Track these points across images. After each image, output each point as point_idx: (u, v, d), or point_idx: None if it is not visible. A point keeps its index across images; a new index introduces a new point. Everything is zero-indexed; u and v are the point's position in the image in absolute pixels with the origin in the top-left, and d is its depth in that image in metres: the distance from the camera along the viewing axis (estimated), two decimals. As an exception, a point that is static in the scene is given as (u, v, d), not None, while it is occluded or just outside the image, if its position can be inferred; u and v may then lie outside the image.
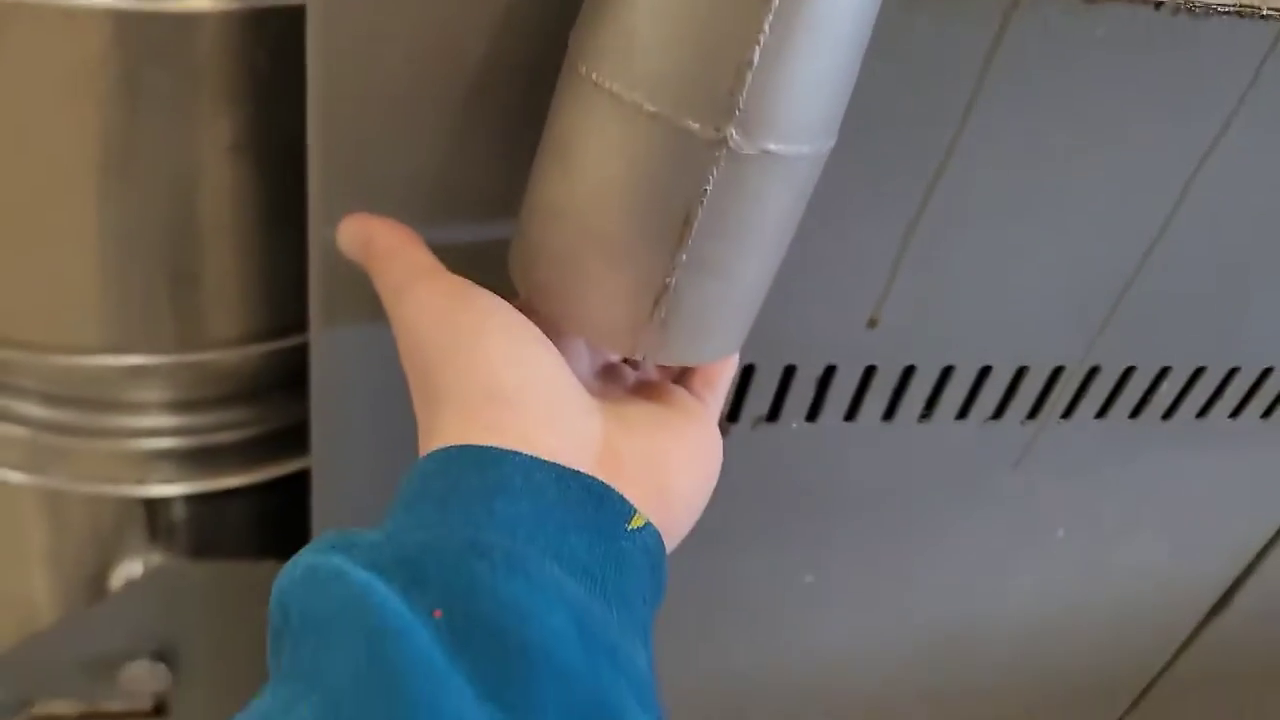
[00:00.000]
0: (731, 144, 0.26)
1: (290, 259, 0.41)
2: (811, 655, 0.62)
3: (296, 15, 0.31)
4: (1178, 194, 0.42)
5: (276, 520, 0.55)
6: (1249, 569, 0.65)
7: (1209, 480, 0.57)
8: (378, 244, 0.33)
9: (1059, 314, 0.45)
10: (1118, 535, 0.59)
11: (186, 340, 0.46)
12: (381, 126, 0.33)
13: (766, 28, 0.25)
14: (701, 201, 0.27)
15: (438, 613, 0.23)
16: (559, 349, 0.30)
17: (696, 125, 0.26)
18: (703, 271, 0.29)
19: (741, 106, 0.26)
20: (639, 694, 0.24)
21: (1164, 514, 0.59)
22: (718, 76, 0.25)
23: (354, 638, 0.23)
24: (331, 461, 0.44)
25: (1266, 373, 0.51)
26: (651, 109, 0.26)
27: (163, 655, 0.56)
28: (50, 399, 0.49)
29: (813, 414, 0.47)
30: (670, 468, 0.30)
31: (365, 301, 0.37)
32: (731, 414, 0.46)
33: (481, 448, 0.28)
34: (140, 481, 0.50)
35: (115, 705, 0.60)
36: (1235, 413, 0.53)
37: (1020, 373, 0.48)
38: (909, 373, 0.46)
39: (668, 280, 0.29)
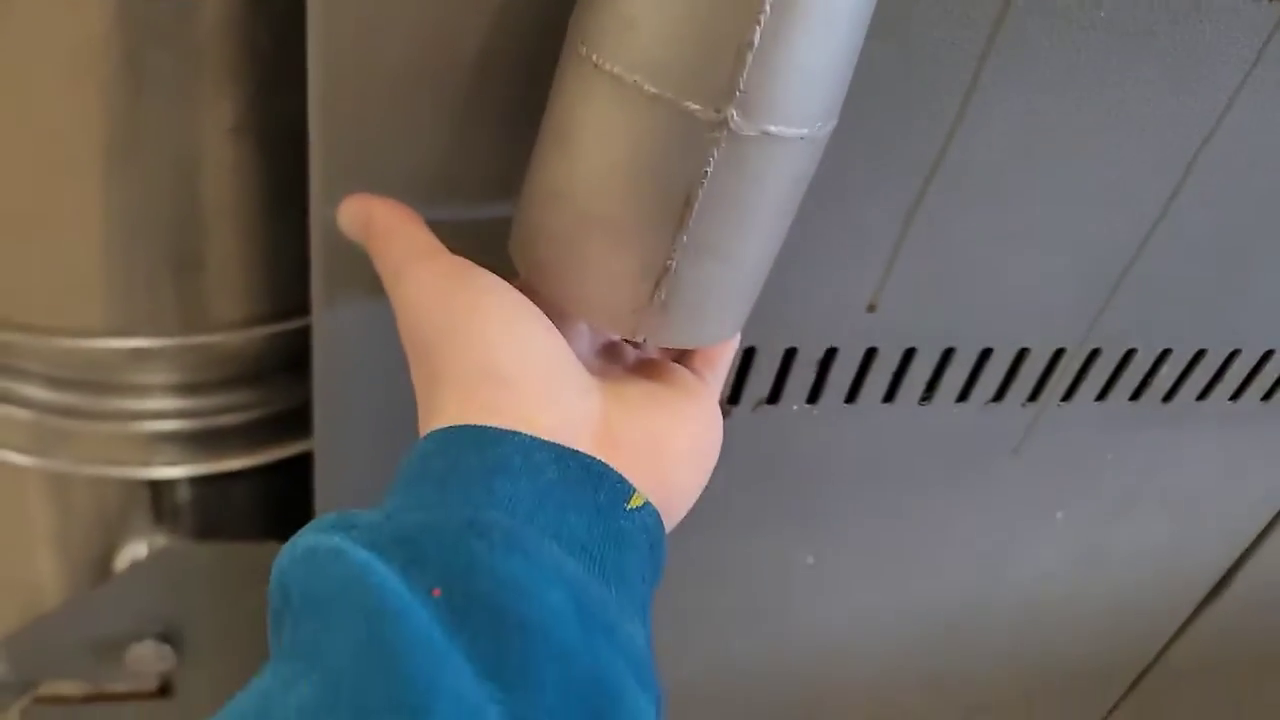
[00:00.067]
0: (732, 125, 0.26)
1: (293, 241, 0.41)
2: (812, 637, 0.63)
3: (298, -3, 0.31)
4: (1180, 175, 0.42)
5: (280, 502, 0.55)
6: (1247, 553, 0.65)
7: (1209, 463, 0.57)
8: (377, 224, 0.33)
9: (1060, 296, 0.45)
10: (1117, 518, 0.59)
11: (190, 323, 0.46)
12: (382, 108, 0.33)
13: (767, 8, 0.25)
14: (702, 183, 0.27)
15: (436, 591, 0.23)
16: (559, 328, 0.30)
17: (697, 107, 0.26)
18: (703, 253, 0.29)
19: (742, 88, 0.26)
20: (637, 672, 0.24)
21: (1163, 497, 0.59)
22: (718, 58, 0.25)
23: (353, 617, 0.23)
24: (334, 443, 0.44)
25: (1267, 355, 0.51)
26: (652, 90, 0.26)
27: (168, 636, 0.56)
28: (54, 382, 0.49)
29: (813, 396, 0.47)
30: (669, 447, 0.30)
31: (367, 283, 0.37)
32: (732, 396, 0.46)
33: (480, 428, 0.28)
34: (145, 464, 0.50)
35: (120, 686, 0.60)
36: (1236, 395, 0.53)
37: (1021, 355, 0.48)
38: (910, 355, 0.46)
39: (668, 262, 0.29)
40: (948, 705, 0.72)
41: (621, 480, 0.28)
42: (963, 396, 0.49)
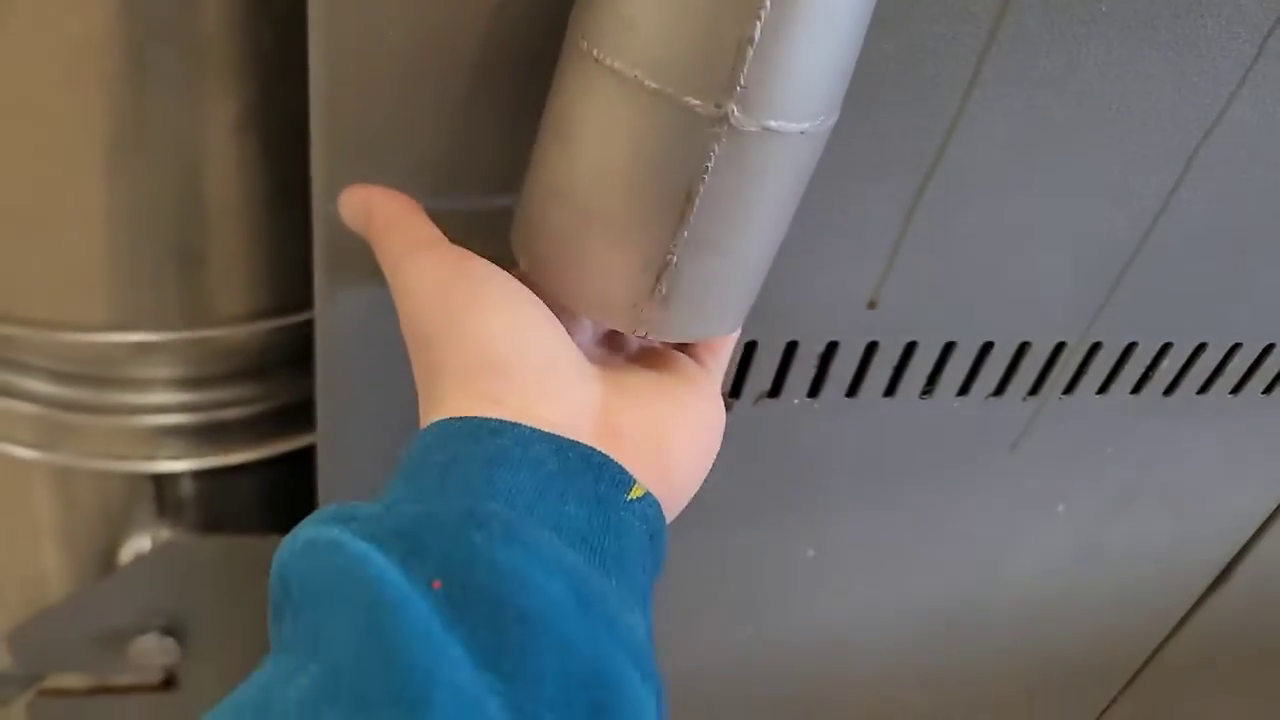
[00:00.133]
0: (733, 121, 0.26)
1: (296, 235, 0.41)
2: (812, 630, 0.63)
3: (301, -8, 0.31)
4: (1181, 170, 0.42)
5: (284, 495, 0.56)
6: (1248, 546, 0.65)
7: (1210, 456, 0.57)
8: (378, 214, 0.33)
9: (1061, 290, 0.45)
10: (1118, 511, 0.60)
11: (194, 317, 0.46)
12: (384, 103, 0.33)
13: (768, 4, 0.25)
14: (703, 179, 0.27)
15: (436, 583, 0.23)
16: (560, 317, 0.30)
17: (698, 102, 0.26)
18: (704, 248, 0.29)
19: (743, 83, 0.26)
20: (637, 662, 0.24)
21: (1164, 490, 0.59)
22: (719, 53, 0.26)
23: (352, 609, 0.23)
24: (337, 436, 0.44)
25: (1268, 349, 0.51)
26: (653, 86, 0.26)
27: (171, 629, 0.57)
28: (59, 376, 0.49)
29: (814, 390, 0.47)
30: (670, 437, 0.30)
31: (369, 278, 0.38)
32: (734, 390, 0.46)
33: (480, 419, 0.28)
34: (149, 457, 0.51)
35: (124, 679, 0.61)
36: (1237, 389, 0.53)
37: (1022, 349, 0.48)
38: (910, 349, 0.46)
39: (669, 257, 0.29)
40: (948, 699, 0.72)
41: (622, 471, 0.28)
42: (963, 390, 0.49)
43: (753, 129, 0.27)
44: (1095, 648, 0.72)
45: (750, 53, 0.25)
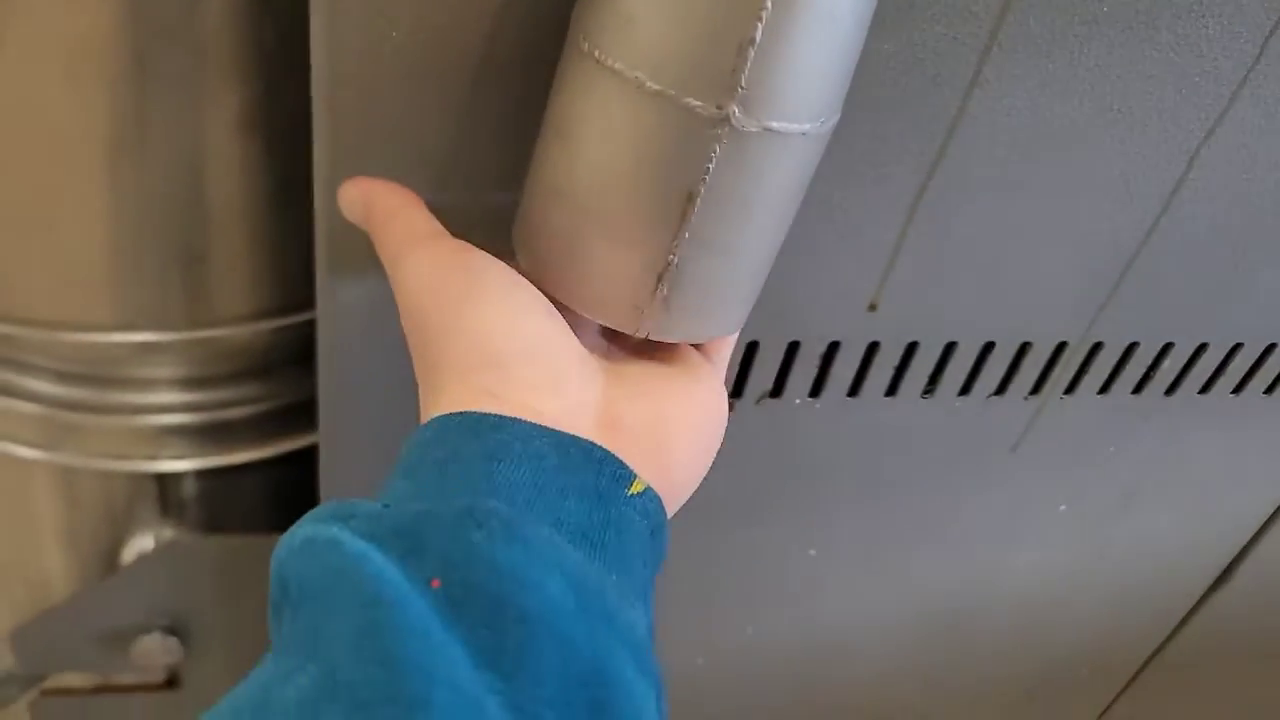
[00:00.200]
0: (734, 122, 0.26)
1: (299, 235, 0.41)
2: (813, 629, 0.63)
3: (303, -8, 0.31)
4: (1182, 170, 0.42)
5: (287, 495, 0.56)
6: (1249, 545, 0.65)
7: (1211, 456, 0.57)
8: (377, 207, 0.33)
9: (1062, 290, 0.45)
10: (1119, 510, 0.60)
11: (197, 317, 0.46)
12: (386, 102, 0.33)
13: (769, 4, 0.25)
14: (704, 180, 0.27)
15: (435, 582, 0.23)
16: (562, 309, 0.30)
17: (699, 103, 0.26)
18: (705, 249, 0.29)
19: (744, 84, 0.26)
20: (637, 659, 0.24)
21: (1166, 490, 0.59)
22: (719, 54, 0.26)
23: (350, 608, 0.23)
24: (339, 436, 0.45)
25: (1270, 349, 0.51)
26: (654, 87, 0.26)
27: (174, 629, 0.57)
28: (62, 376, 0.49)
29: (816, 390, 0.47)
30: (672, 431, 0.30)
31: (371, 278, 0.38)
32: (736, 390, 0.46)
33: (480, 414, 0.28)
34: (152, 457, 0.51)
35: (128, 678, 0.61)
36: (1238, 389, 0.53)
37: (1023, 349, 0.48)
38: (912, 349, 0.46)
39: (670, 258, 0.29)
40: (948, 699, 0.72)
41: (622, 466, 0.28)
42: (965, 390, 0.49)
43: (754, 130, 0.27)
44: (1096, 648, 0.72)
45: (751, 54, 0.25)
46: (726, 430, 0.33)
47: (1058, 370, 0.49)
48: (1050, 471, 0.55)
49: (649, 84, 0.26)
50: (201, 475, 0.53)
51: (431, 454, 0.28)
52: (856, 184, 0.39)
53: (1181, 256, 0.45)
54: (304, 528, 0.26)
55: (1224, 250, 0.45)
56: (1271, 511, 0.63)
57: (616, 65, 0.27)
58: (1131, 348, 0.49)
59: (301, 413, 0.52)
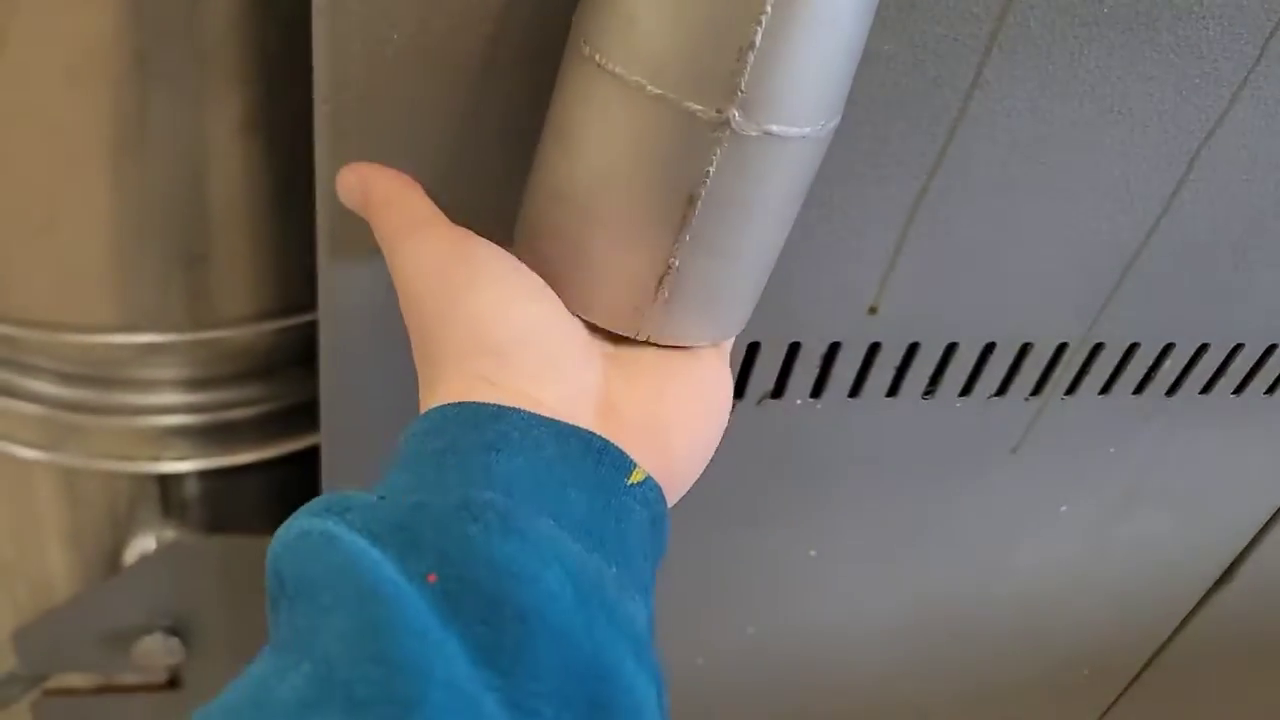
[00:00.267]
0: (734, 125, 0.26)
1: (301, 236, 0.41)
2: (814, 631, 0.63)
3: (305, -5, 0.31)
4: (1182, 171, 0.42)
5: (289, 495, 0.56)
6: (1250, 546, 0.65)
7: (1212, 456, 0.57)
8: (376, 192, 0.32)
9: (1063, 291, 0.45)
10: (1120, 511, 0.60)
11: (199, 318, 0.46)
12: (388, 103, 0.33)
13: (768, 8, 0.25)
14: (704, 183, 0.27)
15: (432, 577, 0.23)
16: None
17: (699, 107, 0.26)
18: (706, 252, 0.29)
19: (744, 88, 0.26)
20: (637, 652, 0.24)
21: (1167, 490, 0.59)
22: (719, 58, 0.26)
23: (346, 605, 0.23)
24: (341, 437, 0.45)
25: (1270, 349, 0.51)
26: (654, 91, 0.26)
27: (176, 629, 0.57)
28: (65, 377, 0.49)
29: (817, 390, 0.47)
30: (673, 419, 0.30)
31: (374, 277, 0.38)
32: (737, 390, 0.46)
33: (479, 404, 0.27)
34: (154, 458, 0.51)
35: (130, 678, 0.61)
36: (1239, 390, 0.53)
37: (1024, 350, 0.48)
38: (913, 350, 0.46)
39: (671, 261, 0.29)
40: (949, 699, 0.72)
41: (622, 455, 0.28)
42: (966, 391, 0.49)
43: (754, 133, 0.27)
44: (1097, 648, 0.72)
45: (751, 57, 0.25)
46: (728, 431, 0.33)
47: (1058, 371, 0.49)
48: (1051, 472, 0.55)
49: (649, 88, 0.26)
50: (204, 476, 0.53)
51: (429, 444, 0.27)
52: (857, 184, 0.39)
53: (1182, 257, 0.45)
54: (299, 521, 0.26)
55: (1224, 251, 0.46)
56: (1272, 512, 0.63)
57: (617, 69, 0.27)
58: (1132, 348, 0.49)
59: (303, 413, 0.52)
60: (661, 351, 0.32)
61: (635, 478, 0.28)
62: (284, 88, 0.39)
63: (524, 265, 0.30)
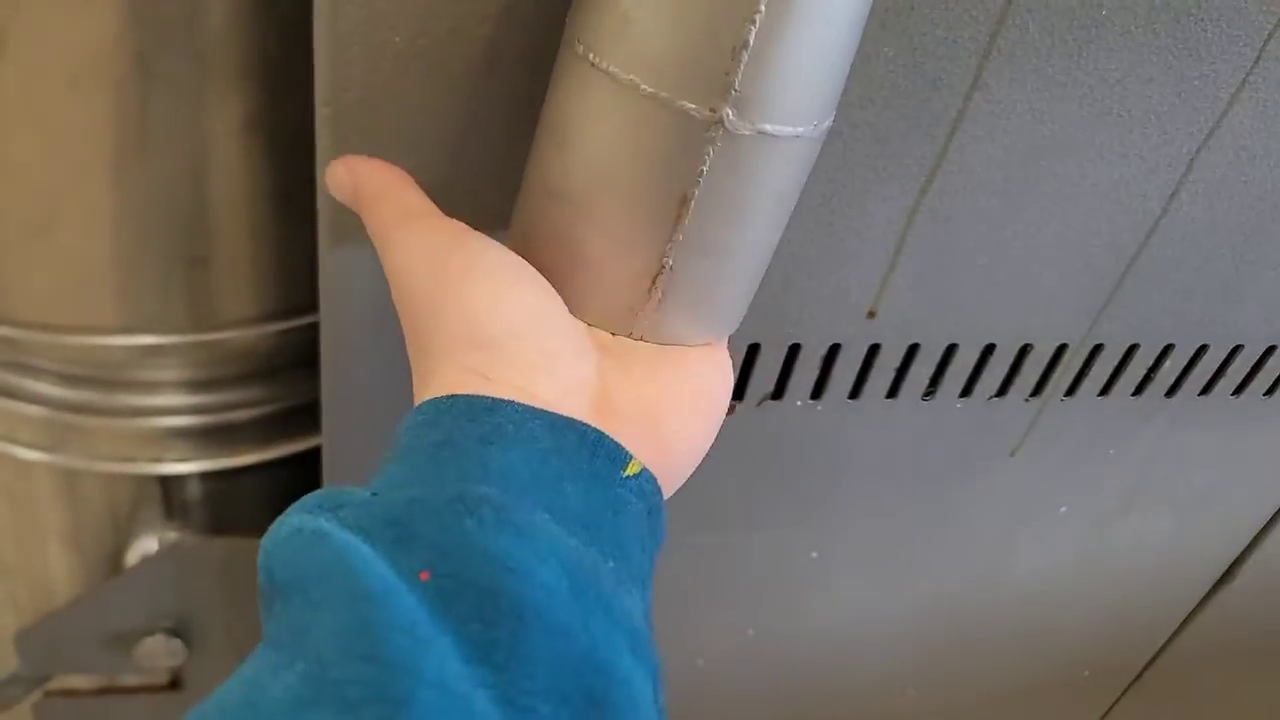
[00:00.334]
0: (728, 125, 0.26)
1: (302, 238, 0.41)
2: (814, 630, 0.63)
3: (305, -3, 0.32)
4: (1181, 173, 0.42)
5: (291, 497, 0.56)
6: (1250, 547, 0.65)
7: (1212, 458, 0.57)
8: (366, 185, 0.32)
9: (1062, 293, 0.45)
10: (1120, 512, 0.60)
11: (200, 320, 0.46)
12: (388, 105, 0.33)
13: (762, 8, 0.25)
14: (698, 182, 0.27)
15: (424, 574, 0.23)
16: None
17: (693, 106, 0.26)
18: (700, 252, 0.29)
19: (737, 87, 0.26)
20: (633, 646, 0.24)
21: (1166, 492, 0.59)
22: (713, 57, 0.26)
23: (337, 603, 0.22)
24: (342, 438, 0.45)
25: (1269, 351, 0.51)
26: (648, 90, 0.26)
27: (178, 630, 0.57)
28: (66, 379, 0.49)
29: (817, 392, 0.47)
30: (668, 410, 0.30)
31: (375, 279, 0.38)
32: (737, 392, 0.46)
33: (474, 397, 0.27)
34: (156, 459, 0.51)
35: (131, 680, 0.61)
36: (1238, 391, 0.53)
37: (1023, 351, 0.48)
38: (912, 351, 0.46)
39: (665, 261, 0.29)
40: (950, 700, 0.72)
41: (617, 447, 0.28)
42: (965, 392, 0.49)
43: (747, 133, 0.27)
44: (1098, 649, 0.71)
45: (745, 57, 0.26)
46: (728, 433, 0.33)
47: (1058, 372, 0.49)
48: (1051, 473, 0.55)
49: (643, 87, 0.26)
50: (205, 477, 0.53)
51: (425, 438, 0.27)
52: (857, 185, 0.39)
53: (1181, 258, 0.45)
54: (291, 518, 0.25)
55: (1224, 252, 0.46)
56: (1272, 513, 0.63)
57: (611, 68, 0.27)
58: (1132, 349, 0.49)
59: (305, 415, 0.52)
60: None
61: (631, 470, 0.28)
62: (285, 90, 0.40)
63: (515, 256, 0.30)
